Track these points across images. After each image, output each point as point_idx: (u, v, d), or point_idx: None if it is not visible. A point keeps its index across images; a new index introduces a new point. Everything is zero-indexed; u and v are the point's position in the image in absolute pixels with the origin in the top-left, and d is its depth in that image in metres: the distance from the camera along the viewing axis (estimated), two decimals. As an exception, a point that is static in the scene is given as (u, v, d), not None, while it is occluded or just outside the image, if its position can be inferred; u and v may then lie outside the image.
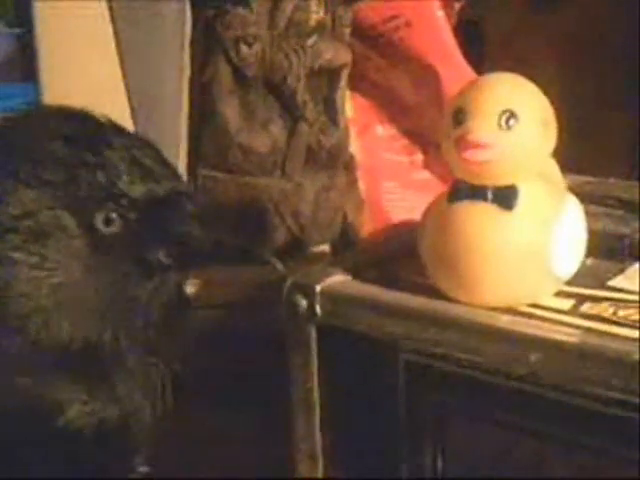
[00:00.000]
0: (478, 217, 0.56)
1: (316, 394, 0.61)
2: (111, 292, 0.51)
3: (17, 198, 0.51)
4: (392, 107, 0.92)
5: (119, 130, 0.54)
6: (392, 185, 0.91)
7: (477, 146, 0.55)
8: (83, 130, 0.52)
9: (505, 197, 0.56)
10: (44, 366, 0.50)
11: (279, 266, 0.54)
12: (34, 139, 0.52)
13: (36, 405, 0.49)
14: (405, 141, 0.92)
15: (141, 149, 0.53)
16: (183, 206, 0.53)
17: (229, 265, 0.55)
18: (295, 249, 0.79)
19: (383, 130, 0.92)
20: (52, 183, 0.51)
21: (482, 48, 0.98)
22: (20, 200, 0.51)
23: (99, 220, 0.51)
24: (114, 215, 0.52)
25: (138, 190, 0.52)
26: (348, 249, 0.83)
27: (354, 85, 0.87)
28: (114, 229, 0.52)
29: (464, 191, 0.56)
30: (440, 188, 0.87)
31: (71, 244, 0.51)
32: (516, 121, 0.55)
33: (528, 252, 0.56)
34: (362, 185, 0.89)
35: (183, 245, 0.53)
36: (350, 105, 0.88)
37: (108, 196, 0.51)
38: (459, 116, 0.55)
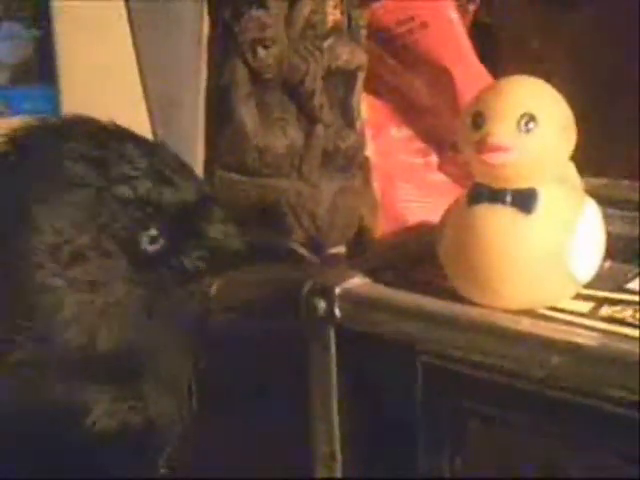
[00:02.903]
0: (497, 220, 0.56)
1: (335, 395, 0.62)
2: (152, 303, 0.52)
3: (50, 225, 0.50)
4: (407, 108, 0.92)
5: (139, 141, 0.54)
6: (407, 186, 0.91)
7: (497, 149, 0.55)
8: (105, 149, 0.52)
9: (524, 200, 0.56)
10: (74, 366, 0.50)
11: (313, 259, 0.55)
12: (56, 162, 0.51)
13: (63, 403, 0.50)
14: (420, 143, 0.92)
15: (163, 159, 0.53)
16: (211, 209, 0.54)
17: (262, 263, 0.56)
18: (311, 251, 0.79)
19: (398, 132, 0.92)
20: (81, 205, 0.51)
21: (496, 50, 0.98)
22: (54, 227, 0.50)
23: (142, 239, 0.52)
24: (155, 232, 0.52)
25: (169, 202, 0.52)
26: (363, 250, 0.83)
27: (369, 87, 0.87)
28: (157, 246, 0.52)
29: (483, 194, 0.57)
30: (455, 189, 0.88)
31: (112, 264, 0.51)
32: (535, 124, 0.55)
33: (547, 255, 0.56)
34: (377, 187, 0.89)
35: (216, 248, 0.53)
36: (365, 107, 0.88)
37: (143, 214, 0.52)
38: (478, 119, 0.56)
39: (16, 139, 0.53)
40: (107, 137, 0.53)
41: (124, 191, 0.51)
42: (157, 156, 0.53)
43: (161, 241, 0.52)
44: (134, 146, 0.53)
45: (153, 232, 0.52)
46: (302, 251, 0.57)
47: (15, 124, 0.55)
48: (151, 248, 0.52)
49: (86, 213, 0.51)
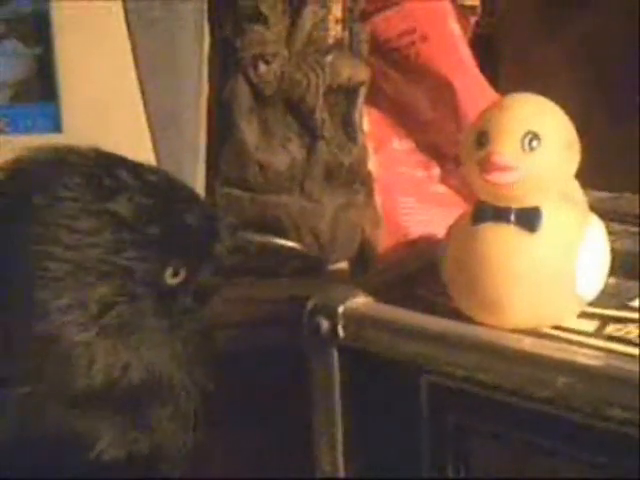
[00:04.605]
0: (501, 239, 0.56)
1: (338, 415, 0.61)
2: (174, 331, 0.52)
3: (74, 281, 0.50)
4: (408, 121, 0.91)
5: (135, 173, 0.53)
6: (409, 200, 0.90)
7: (500, 168, 0.54)
8: (110, 196, 0.51)
9: (528, 219, 0.56)
10: (83, 399, 0.50)
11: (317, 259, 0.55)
12: (64, 221, 0.50)
13: (70, 434, 0.49)
14: (422, 155, 0.92)
15: (166, 190, 0.53)
16: (218, 228, 0.54)
17: (270, 268, 0.56)
18: (314, 267, 0.79)
19: (399, 145, 0.92)
20: (100, 259, 0.50)
21: (498, 61, 0.98)
22: (78, 282, 0.50)
23: (166, 275, 0.52)
24: (175, 265, 0.52)
25: (182, 234, 0.52)
26: (366, 266, 0.83)
27: (370, 100, 0.87)
28: (179, 278, 0.52)
29: (487, 213, 0.56)
30: (458, 202, 0.88)
31: (139, 306, 0.51)
32: (539, 143, 0.55)
33: (552, 274, 0.56)
34: (379, 200, 0.89)
35: (228, 265, 0.54)
36: (366, 120, 0.88)
37: (162, 253, 0.51)
38: (482, 138, 0.55)
39: (13, 196, 0.52)
40: (106, 176, 0.52)
41: (139, 238, 0.51)
42: (160, 190, 0.53)
43: (182, 272, 0.52)
44: (138, 186, 0.52)
45: (174, 266, 0.52)
46: (305, 250, 0.57)
47: (17, 143, 0.54)
48: (174, 281, 0.52)
49: (107, 265, 0.50)
